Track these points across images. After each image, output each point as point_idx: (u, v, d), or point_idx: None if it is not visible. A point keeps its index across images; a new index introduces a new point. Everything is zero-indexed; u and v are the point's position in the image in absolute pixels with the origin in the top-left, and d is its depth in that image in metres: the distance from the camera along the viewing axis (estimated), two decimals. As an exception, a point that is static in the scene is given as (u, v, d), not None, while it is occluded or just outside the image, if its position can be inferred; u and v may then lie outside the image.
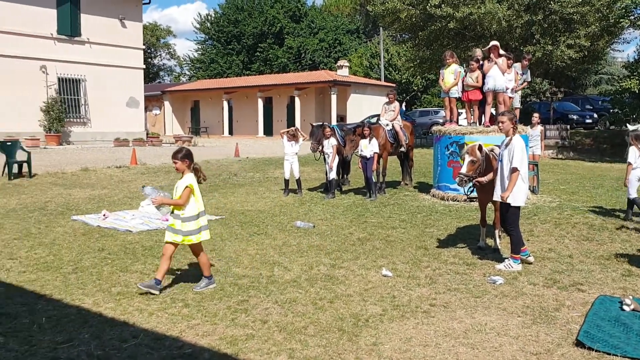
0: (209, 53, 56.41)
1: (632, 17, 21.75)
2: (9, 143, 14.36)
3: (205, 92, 41.51)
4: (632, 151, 8.81)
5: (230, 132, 39.69)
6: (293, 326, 4.71)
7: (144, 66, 29.66)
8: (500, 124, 6.47)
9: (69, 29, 25.55)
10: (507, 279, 5.92)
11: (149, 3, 29.90)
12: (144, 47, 30.11)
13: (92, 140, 26.02)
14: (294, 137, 11.90)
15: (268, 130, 37.59)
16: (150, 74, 57.77)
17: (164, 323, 4.83)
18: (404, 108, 41.79)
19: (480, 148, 6.79)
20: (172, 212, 5.77)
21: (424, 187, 12.80)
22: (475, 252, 7.06)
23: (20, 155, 14.14)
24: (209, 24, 56.97)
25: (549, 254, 6.96)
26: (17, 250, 7.28)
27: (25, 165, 14.01)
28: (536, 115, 12.85)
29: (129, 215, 9.62)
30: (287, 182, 12.16)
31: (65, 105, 25.31)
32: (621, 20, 21.30)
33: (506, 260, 6.40)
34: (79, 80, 25.98)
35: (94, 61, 26.23)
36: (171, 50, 63.07)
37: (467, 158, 6.69)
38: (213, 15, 57.09)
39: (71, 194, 12.13)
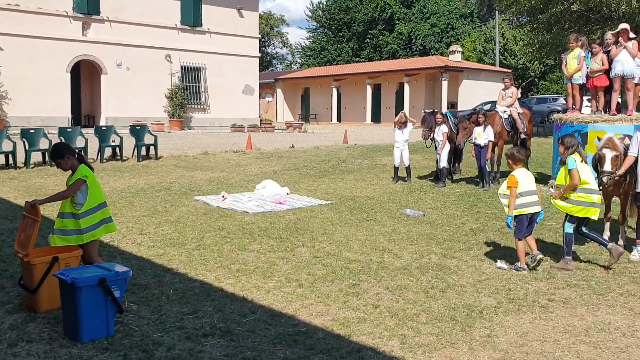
0: (320, 41, 57.22)
1: None
2: (138, 127, 15.54)
3: (315, 79, 42.26)
4: None
5: (339, 119, 40.12)
6: (404, 312, 4.74)
7: (259, 55, 30.74)
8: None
9: (191, 20, 27.05)
10: (634, 277, 5.55)
11: (264, -7, 30.83)
12: (259, 36, 31.18)
13: (211, 126, 27.49)
14: (403, 123, 11.82)
15: (376, 117, 37.55)
16: (264, 62, 59.67)
17: (280, 301, 5.06)
18: (519, 95, 39.98)
19: (619, 139, 6.38)
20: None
21: (541, 178, 12.19)
22: (598, 248, 6.66)
23: (147, 139, 15.28)
24: (320, 12, 57.70)
25: (684, 254, 6.41)
26: (146, 226, 7.91)
27: (152, 148, 15.12)
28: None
29: (245, 197, 10.10)
30: (396, 169, 12.12)
31: (187, 92, 26.91)
32: None
33: (636, 248, 5.99)
34: (200, 68, 27.48)
35: (214, 50, 27.62)
36: (284, 38, 64.69)
37: (610, 153, 6.26)
38: (325, 3, 57.73)
39: (193, 175, 12.93)
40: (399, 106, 35.27)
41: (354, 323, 4.53)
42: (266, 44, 61.35)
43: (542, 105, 30.93)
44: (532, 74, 43.20)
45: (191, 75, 27.29)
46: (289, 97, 44.16)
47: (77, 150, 5.25)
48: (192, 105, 27.34)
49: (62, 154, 4.98)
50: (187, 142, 19.79)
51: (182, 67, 26.73)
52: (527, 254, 6.02)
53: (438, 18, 51.41)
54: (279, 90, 43.69)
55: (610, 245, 5.87)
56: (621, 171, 6.24)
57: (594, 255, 6.37)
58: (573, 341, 4.13)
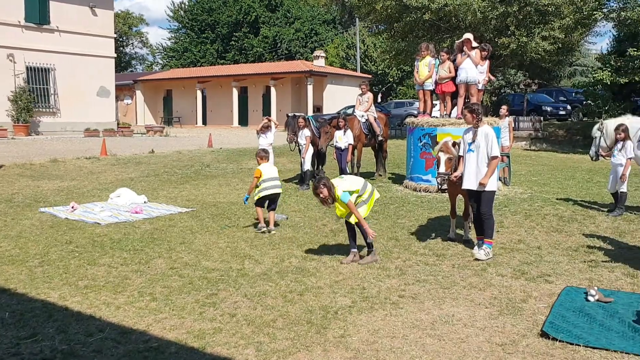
0: (183, 42, 55.67)
1: (605, 10, 22.06)
2: (-26, 133, 13.99)
3: (178, 81, 40.99)
4: (630, 145, 8.89)
5: (204, 122, 39.32)
6: (262, 319, 4.68)
7: (115, 55, 29.12)
8: (464, 117, 6.56)
9: (37, 17, 24.90)
10: (476, 270, 5.98)
11: (120, -10, 29.29)
12: (115, 35, 29.53)
13: (62, 131, 25.51)
14: (266, 128, 11.81)
15: (243, 120, 37.33)
16: (122, 63, 56.86)
17: (131, 317, 4.76)
18: (379, 99, 41.91)
19: (453, 144, 6.82)
20: None
21: (397, 178, 12.85)
22: (445, 243, 7.11)
23: (-14, 146, 13.78)
24: (182, 12, 56.18)
25: (518, 245, 7.04)
26: (-20, 243, 7.09)
27: (-9, 156, 13.67)
28: (504, 107, 12.96)
29: (97, 207, 9.45)
30: (260, 173, 12.06)
31: (34, 95, 24.73)
32: (594, 12, 21.60)
33: (482, 249, 6.44)
34: (48, 69, 25.39)
35: (64, 50, 25.64)
36: (143, 38, 62.29)
37: (443, 156, 6.70)
38: (187, 3, 56.33)
39: (39, 185, 11.89)
40: (266, 109, 35.41)
41: (209, 334, 4.38)
42: (124, 43, 58.51)
43: (400, 109, 32.66)
44: (391, 80, 45.54)
45: (39, 77, 25.12)
46: (150, 100, 42.38)
47: None
48: (40, 109, 25.16)
49: None
50: (33, 149, 18.18)
51: (27, 67, 24.49)
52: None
53: (302, 23, 52.38)
54: (138, 92, 41.74)
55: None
56: (457, 172, 6.69)
57: (442, 251, 6.76)
58: (420, 335, 4.32)
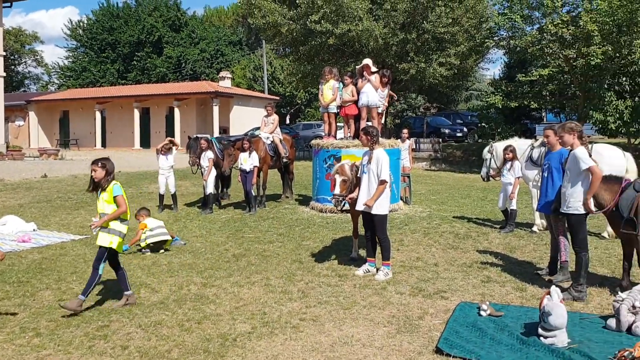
0: (81, 61, 53.14)
1: (496, 38, 23.60)
2: None
3: (76, 101, 38.96)
4: (518, 165, 9.43)
5: (104, 145, 37.61)
6: (156, 350, 4.45)
7: (5, 74, 27.26)
8: (360, 139, 6.71)
9: None
10: (376, 289, 6.06)
11: (10, 6, 27.67)
12: (4, 53, 27.70)
13: (-58, 154, 23.44)
14: (168, 149, 11.49)
15: (145, 142, 36.06)
16: (14, 83, 53.43)
17: (10, 356, 4.37)
18: (287, 121, 42.20)
19: (350, 166, 6.93)
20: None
21: (304, 200, 12.88)
22: (348, 264, 7.17)
23: None
24: (81, 31, 53.75)
25: (417, 263, 7.23)
26: None
27: None
28: (405, 131, 13.46)
29: (-21, 236, 8.69)
30: (162, 197, 11.68)
31: None
32: (486, 40, 23.05)
33: (381, 270, 6.55)
34: None
35: (-55, 66, 23.70)
36: (38, 57, 58.72)
37: (339, 178, 6.79)
38: (86, 21, 53.99)
39: None
40: (170, 131, 34.46)
41: (98, 371, 4.10)
42: (16, 62, 55.09)
43: (308, 131, 33.03)
44: (299, 102, 46.04)
45: None
46: (45, 121, 39.94)
47: None
48: None
49: None
50: None
51: None
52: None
53: (207, 44, 51.80)
54: (32, 114, 39.19)
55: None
56: (353, 194, 6.80)
57: (344, 272, 6.81)
58: (319, 358, 4.29)
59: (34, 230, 9.39)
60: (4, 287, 6.20)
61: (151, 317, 5.24)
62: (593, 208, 5.77)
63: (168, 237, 8.25)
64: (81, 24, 54.12)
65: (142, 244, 8.05)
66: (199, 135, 12.37)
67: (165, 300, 5.74)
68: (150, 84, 46.10)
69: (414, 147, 26.17)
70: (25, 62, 57.50)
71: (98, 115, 37.40)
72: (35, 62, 58.17)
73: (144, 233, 8.08)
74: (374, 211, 6.50)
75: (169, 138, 12.20)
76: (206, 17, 60.91)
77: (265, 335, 4.77)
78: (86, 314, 5.30)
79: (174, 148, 11.57)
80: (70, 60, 54.88)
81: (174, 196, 11.68)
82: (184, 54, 50.47)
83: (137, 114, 36.05)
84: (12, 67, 52.65)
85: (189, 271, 6.91)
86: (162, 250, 8.10)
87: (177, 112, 34.81)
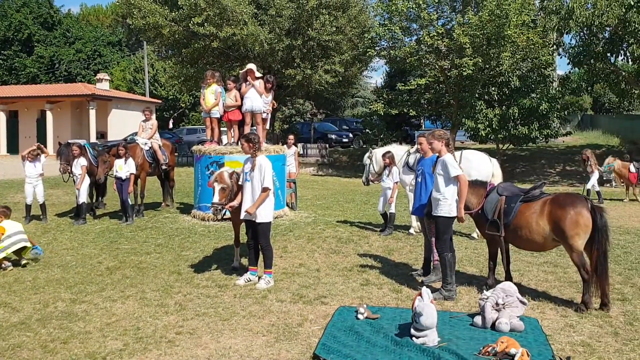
0: None
1: (378, 48, 24.51)
2: None
3: None
4: (395, 170, 9.73)
5: (-36, 150, 34.21)
6: (11, 379, 4.06)
7: None
8: (242, 146, 6.61)
9: None
10: (257, 298, 5.98)
11: None
12: None
13: None
14: (35, 156, 10.65)
15: (13, 148, 33.22)
16: None
17: None
18: (170, 126, 40.93)
19: (229, 173, 6.80)
20: None
21: (186, 208, 12.50)
22: (229, 273, 7.03)
23: None
24: None
25: (299, 269, 7.26)
26: None
27: None
28: (291, 137, 13.55)
29: None
30: (29, 207, 10.80)
31: None
32: (369, 50, 23.85)
33: (262, 278, 6.48)
34: None
35: None
36: None
37: (217, 186, 6.62)
38: (-59, 14, 48.83)
39: None
40: (41, 135, 32.09)
41: (-60, 407, 3.65)
42: None
43: (193, 136, 32.25)
44: (183, 106, 44.81)
45: None
46: None
47: None
48: None
49: None
50: None
51: None
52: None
53: (84, 44, 48.86)
54: None
55: None
56: (234, 202, 6.70)
57: (225, 282, 6.66)
58: (194, 374, 4.14)
59: None
60: None
61: (9, 339, 4.78)
62: (464, 219, 6.14)
63: (28, 244, 7.61)
64: (-64, 16, 48.84)
65: (0, 255, 7.24)
66: (70, 141, 11.60)
67: (27, 320, 5.27)
68: (18, 85, 42.62)
69: (301, 152, 26.52)
70: None
71: (-44, 117, 33.94)
72: None
73: (1, 241, 7.31)
74: (257, 219, 6.42)
75: (37, 144, 11.32)
76: (82, 16, 57.58)
77: (138, 351, 4.52)
78: None
79: (42, 155, 10.76)
80: None
81: (42, 206, 10.84)
82: (57, 54, 47.20)
83: (3, 117, 33.18)
84: None
85: (57, 287, 6.41)
86: (23, 261, 7.44)
87: (49, 115, 32.47)
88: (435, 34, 21.06)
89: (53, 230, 9.96)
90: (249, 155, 6.65)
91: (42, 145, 11.18)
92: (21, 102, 33.74)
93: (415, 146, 10.20)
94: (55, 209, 12.16)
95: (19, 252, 7.50)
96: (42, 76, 46.51)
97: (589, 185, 14.42)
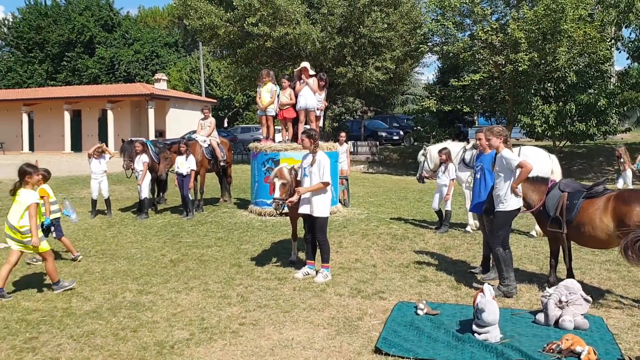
0: (6, 61, 50.66)
1: (430, 44, 24.25)
2: None
3: (1, 103, 37.06)
4: (452, 167, 9.66)
5: (31, 148, 35.93)
6: (88, 362, 4.29)
7: None
8: (302, 142, 6.70)
9: None
10: (316, 291, 6.08)
11: None
12: None
13: None
14: (100, 153, 11.12)
15: (77, 146, 34.72)
16: None
17: None
18: (225, 124, 41.72)
19: (288, 169, 6.92)
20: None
21: (243, 204, 12.77)
22: (287, 266, 7.16)
23: None
24: (5, 29, 51.23)
25: (356, 265, 7.32)
26: None
27: None
28: (342, 134, 13.61)
29: None
30: (94, 202, 11.27)
31: None
32: (421, 46, 23.64)
33: (320, 272, 6.58)
34: None
35: None
36: (-42, 55, 55.39)
37: (278, 182, 6.75)
38: (11, 19, 51.49)
39: None
40: (103, 134, 33.38)
41: (26, 385, 3.91)
42: None
43: (247, 134, 32.79)
44: (237, 105, 45.60)
45: None
46: (-34, 124, 37.78)
47: None
48: None
49: None
50: None
51: None
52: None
53: (142, 45, 50.49)
54: (-49, 116, 37.00)
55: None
56: (294, 198, 6.81)
57: (284, 275, 6.79)
58: (259, 362, 4.26)
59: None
60: None
61: (84, 327, 5.04)
62: (520, 193, 6.02)
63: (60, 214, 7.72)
64: (6, 22, 51.58)
65: (45, 221, 6.93)
66: (133, 139, 12.05)
67: (98, 309, 5.54)
68: (81, 85, 44.45)
69: (351, 150, 26.54)
70: (-58, 61, 54.10)
71: (25, 117, 35.72)
72: (-45, 61, 54.79)
73: (47, 204, 7.19)
74: (315, 213, 6.52)
75: (101, 144, 11.79)
76: (140, 18, 59.40)
77: (204, 341, 4.69)
78: (12, 326, 5.05)
79: (107, 154, 11.22)
80: (-6, 60, 52.19)
81: (107, 201, 11.30)
82: (117, 55, 48.97)
83: (67, 116, 34.67)
84: None
85: (124, 278, 6.70)
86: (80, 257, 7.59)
87: (110, 114, 33.73)
88: (489, 29, 20.67)
89: (117, 224, 10.38)
90: (307, 152, 6.76)
91: (106, 147, 11.61)
92: (84, 102, 35.18)
93: (472, 142, 10.10)
94: (118, 204, 12.66)
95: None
96: (103, 77, 48.33)
97: (619, 184, 13.74)
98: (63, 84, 46.58)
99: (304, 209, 6.60)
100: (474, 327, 4.74)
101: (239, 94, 40.94)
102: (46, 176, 7.57)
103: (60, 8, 50.67)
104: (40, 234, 6.08)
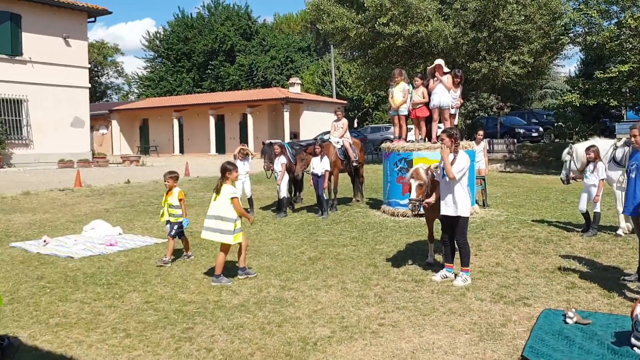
0: (158, 71, 55.64)
1: (572, 35, 22.67)
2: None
3: (155, 110, 40.80)
4: (601, 166, 8.98)
5: (182, 151, 39.10)
6: (239, 353, 4.57)
7: (90, 85, 28.91)
8: (442, 141, 6.54)
9: (9, 48, 24.70)
10: (455, 295, 5.96)
11: (94, 21, 29.33)
12: (89, 65, 29.38)
13: (35, 162, 25.09)
14: (245, 155, 11.80)
15: (220, 148, 37.22)
16: (97, 93, 56.42)
17: (104, 355, 4.62)
18: (355, 124, 42.24)
19: (425, 170, 6.83)
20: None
21: (375, 203, 12.85)
22: (424, 268, 7.09)
23: (-45, 180, 13.50)
24: (157, 42, 56.23)
25: (496, 269, 7.05)
26: (-53, 282, 6.87)
27: (-40, 190, 13.38)
28: (480, 132, 13.15)
29: (70, 240, 9.27)
30: (238, 201, 11.98)
31: (6, 127, 24.39)
32: (561, 37, 22.18)
33: (459, 275, 6.44)
34: (21, 100, 25.10)
35: (37, 81, 25.44)
36: (119, 68, 61.73)
37: (414, 182, 6.68)
38: (162, 33, 56.44)
39: (10, 219, 11.61)
40: (243, 137, 35.39)
41: (185, 371, 4.26)
42: (99, 73, 58.21)
43: (377, 134, 32.93)
44: (367, 105, 45.97)
45: (10, 108, 24.79)
46: (126, 129, 42.07)
47: None
48: (13, 141, 24.78)
49: None
50: (5, 182, 17.82)
51: (-1, 99, 24.21)
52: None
53: (277, 51, 52.82)
54: (114, 122, 41.42)
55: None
56: (431, 199, 6.70)
57: (421, 277, 6.73)
58: (400, 364, 4.27)
59: (119, 234, 9.88)
60: (95, 288, 6.55)
61: (233, 319, 5.39)
62: None
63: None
64: (158, 35, 56.59)
65: (184, 222, 7.74)
66: (272, 141, 12.63)
67: (245, 303, 5.89)
68: (224, 91, 47.51)
69: (488, 148, 25.55)
70: (107, 73, 60.62)
71: (176, 122, 38.94)
72: (117, 73, 61.20)
73: (177, 207, 7.78)
74: (457, 213, 6.38)
75: (243, 144, 12.50)
76: (276, 25, 62.04)
77: (345, 339, 4.80)
78: (171, 316, 5.52)
79: (250, 156, 11.88)
80: (149, 70, 57.56)
81: (250, 200, 11.96)
82: (255, 62, 51.69)
83: (212, 120, 37.25)
84: (96, 78, 55.63)
85: (267, 274, 7.06)
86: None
87: (249, 118, 35.68)
88: (640, 15, 18.82)
89: (259, 222, 10.95)
90: (441, 150, 6.60)
91: (247, 148, 12.30)
92: (227, 107, 37.56)
93: (624, 139, 9.26)
94: (259, 202, 13.34)
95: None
96: (243, 82, 51.27)
97: None
98: (208, 91, 50.17)
99: (445, 210, 6.47)
100: (633, 340, 4.36)
101: (369, 94, 41.20)
102: (177, 178, 8.09)
103: (204, 20, 54.56)
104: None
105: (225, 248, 6.75)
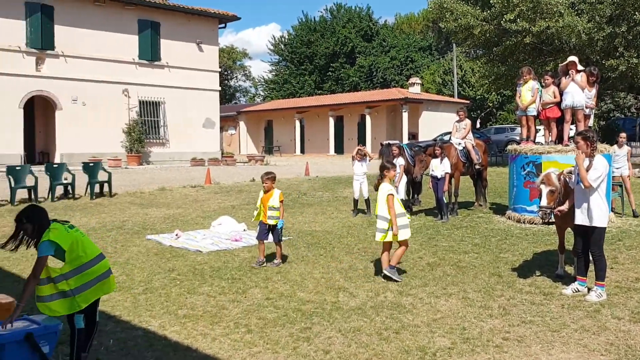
0: (283, 74, 57.69)
1: None
2: (92, 164, 15.12)
3: (278, 111, 42.38)
4: None
5: (302, 151, 40.15)
6: (356, 358, 4.55)
7: (220, 88, 30.65)
8: (577, 145, 6.04)
9: (150, 54, 26.86)
10: (588, 311, 5.50)
11: (224, 27, 31.00)
12: (220, 69, 31.16)
13: (170, 160, 27.07)
14: (363, 156, 11.81)
15: (339, 149, 37.74)
16: (227, 95, 59.53)
17: (226, 349, 4.81)
18: (478, 125, 40.79)
19: (557, 175, 6.36)
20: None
21: (499, 209, 12.27)
22: (554, 281, 6.62)
23: (101, 176, 14.86)
24: (282, 46, 58.29)
25: (636, 284, 6.41)
26: (93, 269, 7.54)
27: (106, 185, 14.71)
28: (623, 135, 12.07)
29: (200, 235, 9.82)
30: (356, 202, 12.04)
31: (146, 127, 26.54)
32: None
33: (593, 290, 5.94)
34: (159, 102, 27.19)
35: (173, 84, 27.43)
36: (246, 71, 64.73)
37: (545, 188, 6.24)
38: (286, 37, 58.40)
39: (148, 213, 12.56)
40: (361, 137, 35.56)
41: (303, 371, 4.32)
42: (228, 77, 61.36)
43: (501, 135, 31.61)
44: (490, 105, 44.24)
45: (150, 110, 26.96)
46: (252, 130, 44.08)
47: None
48: (151, 140, 26.95)
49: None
50: (144, 178, 19.36)
51: (140, 101, 26.41)
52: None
53: (397, 51, 52.52)
54: (242, 123, 43.57)
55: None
56: (564, 207, 6.21)
57: (550, 289, 6.30)
58: (527, 384, 4.01)
59: (244, 230, 10.31)
60: (220, 282, 6.87)
61: (350, 322, 5.38)
62: None
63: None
64: (282, 39, 58.64)
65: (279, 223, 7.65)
66: (390, 142, 12.52)
67: (363, 306, 5.86)
68: (343, 93, 48.16)
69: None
70: (236, 76, 63.71)
71: (297, 123, 40.12)
72: (244, 76, 64.14)
73: (276, 209, 7.64)
74: (594, 223, 5.88)
75: (361, 145, 12.51)
76: (397, 25, 61.71)
77: (466, 352, 4.60)
78: (290, 315, 5.63)
79: (367, 157, 11.86)
80: (273, 73, 59.91)
81: (367, 201, 11.94)
82: (375, 63, 51.81)
83: (331, 122, 37.88)
84: (226, 81, 58.70)
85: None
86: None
87: (368, 119, 35.81)
88: None
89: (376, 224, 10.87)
90: (573, 155, 6.13)
91: (365, 149, 12.27)
92: (346, 108, 38.01)
93: None
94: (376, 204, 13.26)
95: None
96: (362, 84, 51.61)
97: None
98: (328, 93, 51.10)
99: (580, 219, 5.99)
100: None
101: (493, 93, 39.60)
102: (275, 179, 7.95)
103: (326, 23, 55.67)
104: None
105: (403, 242, 6.93)
